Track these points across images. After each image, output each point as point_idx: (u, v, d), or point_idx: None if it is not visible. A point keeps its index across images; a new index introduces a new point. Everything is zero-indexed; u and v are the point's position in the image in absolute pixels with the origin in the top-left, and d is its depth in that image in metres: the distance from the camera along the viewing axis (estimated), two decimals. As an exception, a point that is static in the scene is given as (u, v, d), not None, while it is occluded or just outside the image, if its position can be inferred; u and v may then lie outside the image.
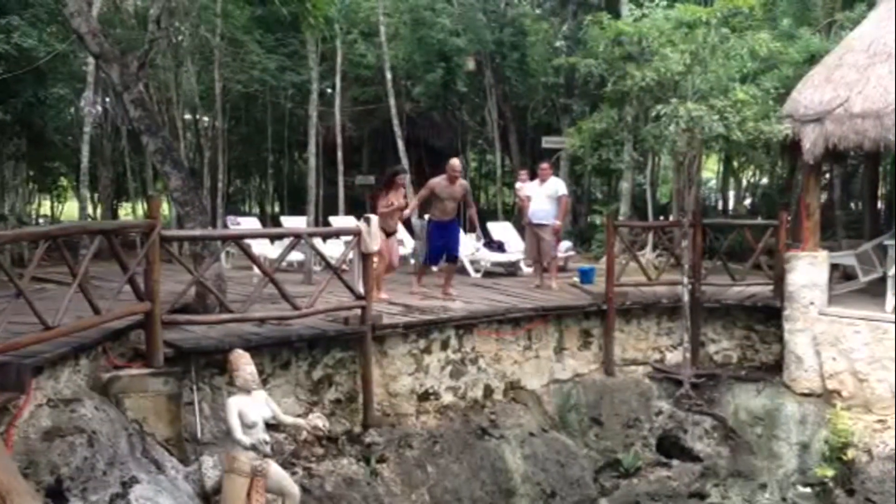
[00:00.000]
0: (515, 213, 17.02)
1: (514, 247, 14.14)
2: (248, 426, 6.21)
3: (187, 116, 19.92)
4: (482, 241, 13.50)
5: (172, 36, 16.93)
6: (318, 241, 11.85)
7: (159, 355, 6.89)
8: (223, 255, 11.00)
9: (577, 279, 12.28)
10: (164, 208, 17.59)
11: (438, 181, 10.77)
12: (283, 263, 10.14)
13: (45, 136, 15.49)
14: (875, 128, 9.63)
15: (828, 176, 16.82)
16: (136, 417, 6.70)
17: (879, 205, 17.36)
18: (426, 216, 11.58)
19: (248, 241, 9.39)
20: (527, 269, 13.36)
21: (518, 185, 15.57)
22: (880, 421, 9.57)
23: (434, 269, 12.09)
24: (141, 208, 21.51)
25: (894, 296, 10.08)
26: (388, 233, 10.41)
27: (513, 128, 21.02)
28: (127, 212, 23.74)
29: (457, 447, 8.75)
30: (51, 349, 5.99)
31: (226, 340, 7.30)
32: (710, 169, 23.88)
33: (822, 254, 10.52)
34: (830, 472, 9.60)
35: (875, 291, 10.69)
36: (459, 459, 8.67)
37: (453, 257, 11.18)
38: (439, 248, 11.04)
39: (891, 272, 10.21)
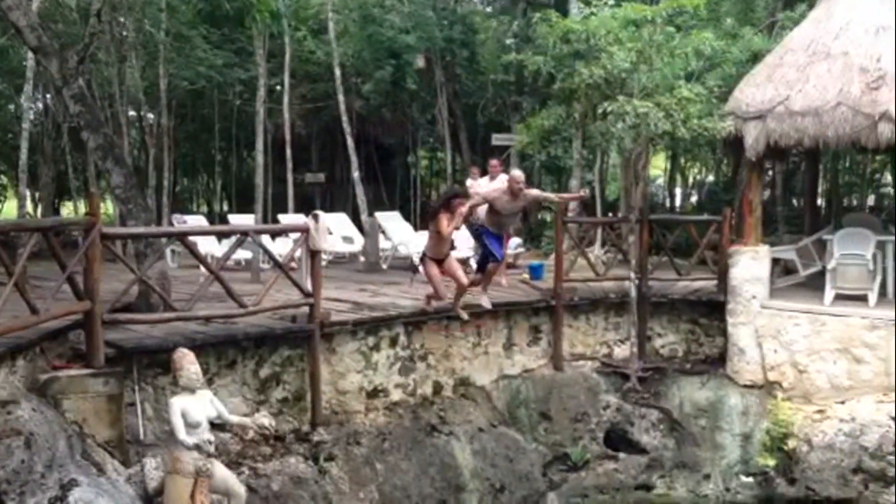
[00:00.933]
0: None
1: (464, 244, 14.15)
2: (191, 426, 6.11)
3: (132, 113, 19.54)
4: None
5: (115, 30, 16.57)
6: (266, 239, 11.74)
7: (100, 355, 6.74)
8: (170, 254, 10.82)
9: (526, 275, 12.35)
10: (108, 206, 17.24)
11: (499, 196, 9.38)
12: (231, 262, 9.99)
13: (-18, 132, 15.10)
14: (814, 125, 9.88)
15: (770, 173, 17.22)
16: (75, 419, 6.53)
17: (819, 201, 17.85)
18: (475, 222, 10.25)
19: (194, 239, 9.22)
20: (476, 266, 13.38)
21: (469, 182, 15.60)
22: (819, 411, 9.83)
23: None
24: (83, 207, 21.05)
25: (832, 289, 10.36)
26: (440, 260, 9.18)
27: (463, 125, 21.04)
28: (69, 210, 23.20)
29: (406, 444, 8.73)
30: (-15, 350, 5.84)
31: (169, 339, 7.18)
32: (658, 167, 24.23)
33: (764, 248, 10.77)
34: (772, 462, 9.86)
35: (814, 285, 10.98)
36: (408, 456, 8.66)
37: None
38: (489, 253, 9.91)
39: (829, 266, 10.49)
